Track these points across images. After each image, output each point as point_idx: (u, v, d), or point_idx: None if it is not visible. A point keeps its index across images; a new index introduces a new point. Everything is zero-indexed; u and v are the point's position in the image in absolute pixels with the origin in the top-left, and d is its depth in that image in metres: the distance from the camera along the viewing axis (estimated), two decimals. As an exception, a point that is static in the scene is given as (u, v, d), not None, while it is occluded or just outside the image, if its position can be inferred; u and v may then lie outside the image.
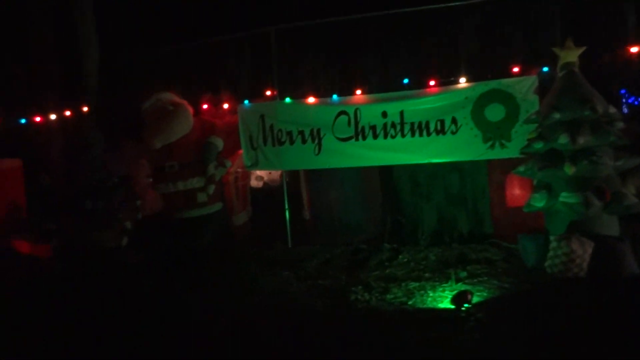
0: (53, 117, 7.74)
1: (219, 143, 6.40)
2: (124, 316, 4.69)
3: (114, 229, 6.06)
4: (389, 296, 4.60)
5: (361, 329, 4.02)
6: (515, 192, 6.24)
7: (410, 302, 4.39)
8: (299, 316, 4.32)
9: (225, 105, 6.68)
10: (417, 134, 6.06)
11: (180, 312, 4.67)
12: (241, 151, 6.89)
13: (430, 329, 3.84)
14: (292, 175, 7.37)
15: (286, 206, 6.60)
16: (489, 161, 6.14)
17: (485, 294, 4.39)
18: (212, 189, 6.32)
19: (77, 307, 4.98)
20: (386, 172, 6.66)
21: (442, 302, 4.37)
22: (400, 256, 5.79)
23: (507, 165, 6.08)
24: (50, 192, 6.97)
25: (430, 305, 4.32)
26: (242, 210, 7.30)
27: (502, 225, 6.22)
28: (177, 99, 6.49)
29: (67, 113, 7.63)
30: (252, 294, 4.91)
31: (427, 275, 5.13)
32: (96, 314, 4.76)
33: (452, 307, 4.15)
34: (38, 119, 7.84)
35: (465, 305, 4.07)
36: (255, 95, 6.63)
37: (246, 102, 6.62)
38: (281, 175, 7.02)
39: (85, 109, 6.91)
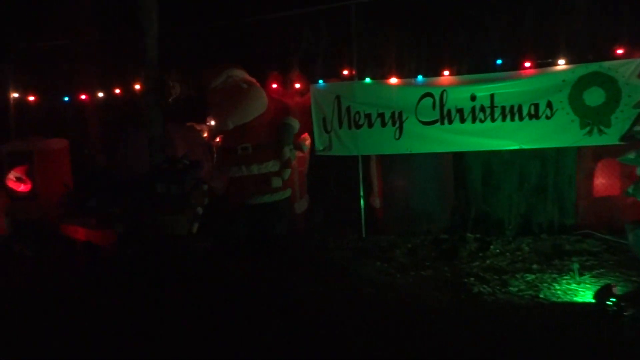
0: (100, 94, 7.29)
1: (296, 124, 6.00)
2: (216, 307, 4.36)
3: (186, 215, 5.64)
4: (512, 289, 4.31)
5: (497, 325, 3.73)
6: (604, 180, 6.00)
7: (541, 295, 4.13)
8: (424, 311, 4.02)
9: (297, 85, 6.29)
10: (508, 118, 5.73)
11: (282, 303, 4.33)
12: (304, 135, 6.54)
13: (580, 326, 3.56)
14: (348, 161, 6.96)
15: (361, 194, 6.26)
16: (579, 148, 5.90)
17: (621, 288, 4.15)
18: (288, 173, 5.93)
19: (161, 298, 4.63)
20: (462, 159, 6.39)
21: (577, 295, 4.11)
22: (491, 247, 5.53)
23: (599, 153, 5.87)
24: (107, 175, 6.52)
25: (566, 299, 4.05)
26: (303, 197, 6.94)
27: (589, 215, 5.99)
28: (248, 76, 6.07)
29: (117, 91, 7.18)
30: (355, 286, 4.59)
31: (534, 267, 4.85)
32: (188, 304, 4.41)
33: (593, 301, 3.90)
34: (83, 96, 7.36)
35: (612, 299, 3.81)
36: (330, 74, 6.22)
37: (320, 82, 6.23)
38: (306, 162, 6.65)
39: (143, 86, 6.43)
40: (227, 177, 6.13)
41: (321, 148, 6.37)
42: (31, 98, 7.44)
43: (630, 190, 5.22)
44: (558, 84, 5.58)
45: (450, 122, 5.90)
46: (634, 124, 5.33)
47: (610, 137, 5.54)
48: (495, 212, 6.22)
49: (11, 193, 6.47)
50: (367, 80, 6.08)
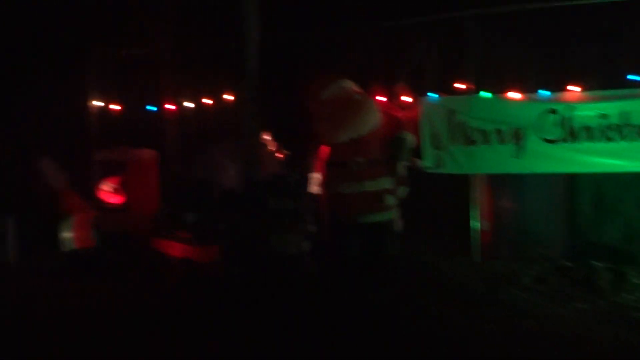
0: (189, 104, 7.07)
1: (411, 139, 5.68)
2: (353, 339, 3.99)
3: (298, 232, 5.34)
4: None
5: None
6: None
7: None
8: (606, 350, 3.61)
9: (404, 98, 6.01)
10: (643, 138, 5.41)
11: (438, 335, 3.94)
12: None
13: None
14: (451, 179, 6.62)
15: (475, 215, 5.91)
16: None
17: None
18: (402, 191, 5.61)
19: (275, 325, 4.27)
20: (575, 180, 6.01)
21: None
22: (632, 278, 5.12)
23: None
24: (205, 188, 6.25)
25: None
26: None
27: None
28: (357, 88, 5.80)
29: (208, 101, 6.96)
30: (511, 317, 4.19)
31: None
32: (312, 336, 4.04)
33: None
34: (172, 107, 7.14)
35: None
36: (442, 87, 5.94)
37: (432, 95, 5.95)
38: None
39: (241, 96, 6.19)
40: (331, 194, 5.83)
41: (430, 165, 6.03)
42: (113, 107, 7.27)
43: None
44: None
45: (578, 140, 5.57)
46: None
47: None
48: (615, 239, 5.86)
49: (101, 204, 6.24)
50: (485, 94, 5.80)
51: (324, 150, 6.91)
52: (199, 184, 6.27)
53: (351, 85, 5.80)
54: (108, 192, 6.10)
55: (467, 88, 5.78)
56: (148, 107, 7.05)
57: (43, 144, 6.95)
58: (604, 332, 3.79)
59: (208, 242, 5.69)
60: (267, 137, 6.72)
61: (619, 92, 5.45)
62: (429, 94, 5.86)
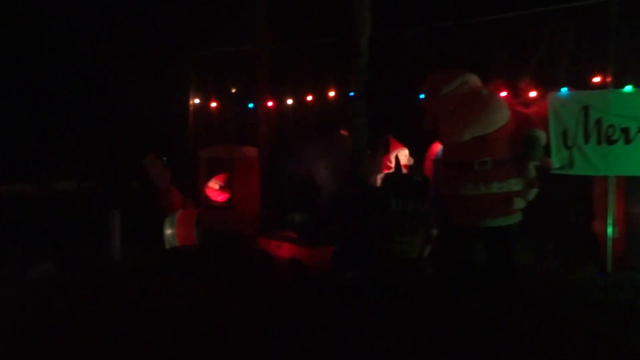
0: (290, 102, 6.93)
1: (543, 137, 5.25)
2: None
3: (420, 236, 5.03)
4: None
5: None
6: None
7: None
8: None
9: (533, 94, 5.56)
10: None
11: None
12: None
13: None
14: (576, 181, 6.05)
15: (610, 221, 5.38)
16: None
17: None
18: (533, 194, 5.18)
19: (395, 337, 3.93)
20: None
21: None
22: None
23: None
24: (312, 187, 6.06)
25: None
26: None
27: None
28: (481, 83, 5.41)
29: (309, 98, 6.79)
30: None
31: None
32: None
33: None
34: (271, 103, 7.03)
35: None
36: (573, 81, 5.45)
37: (563, 90, 5.47)
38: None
39: (352, 92, 5.94)
40: (450, 196, 5.47)
41: (558, 166, 5.49)
42: (212, 104, 7.24)
43: None
44: None
45: None
46: None
47: None
48: None
49: (207, 202, 6.16)
50: (628, 88, 5.26)
51: (434, 148, 6.59)
52: (304, 183, 6.07)
53: (475, 80, 5.44)
54: (215, 189, 6.00)
55: (606, 82, 5.26)
56: (248, 105, 6.94)
57: (146, 142, 6.99)
58: None
59: (319, 243, 5.48)
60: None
61: None
62: (561, 89, 5.39)
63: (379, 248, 5.02)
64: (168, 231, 6.63)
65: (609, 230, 5.38)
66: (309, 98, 6.69)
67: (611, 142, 5.29)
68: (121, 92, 7.09)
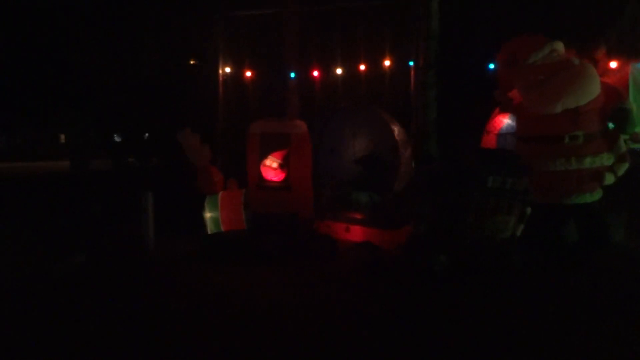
0: (339, 71, 6.34)
1: (634, 109, 5.05)
2: None
3: (514, 215, 4.73)
4: None
5: None
6: None
7: None
8: None
9: (613, 64, 5.35)
10: None
11: None
12: None
13: None
14: None
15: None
16: None
17: None
18: (623, 168, 5.01)
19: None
20: None
21: None
22: None
23: None
24: (376, 164, 5.58)
25: None
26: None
27: None
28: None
29: (362, 67, 6.22)
30: None
31: None
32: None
33: None
34: (315, 73, 6.39)
35: None
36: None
37: (645, 60, 5.31)
38: None
39: (420, 61, 5.47)
40: (537, 172, 5.19)
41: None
42: (247, 74, 6.52)
43: None
44: None
45: None
46: None
47: None
48: None
49: (259, 182, 5.54)
50: None
51: (496, 121, 6.30)
52: (368, 160, 5.60)
53: (563, 49, 5.14)
54: (273, 168, 5.40)
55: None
56: (291, 74, 6.29)
57: (180, 117, 6.19)
58: None
59: (396, 224, 5.08)
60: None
61: None
62: (641, 59, 5.24)
63: (473, 228, 4.72)
64: (209, 215, 5.96)
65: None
66: (359, 67, 6.15)
67: (694, 114, 5.25)
68: (142, 60, 6.20)
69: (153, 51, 6.21)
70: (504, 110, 6.04)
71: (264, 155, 5.46)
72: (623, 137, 5.03)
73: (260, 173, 5.55)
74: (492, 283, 4.55)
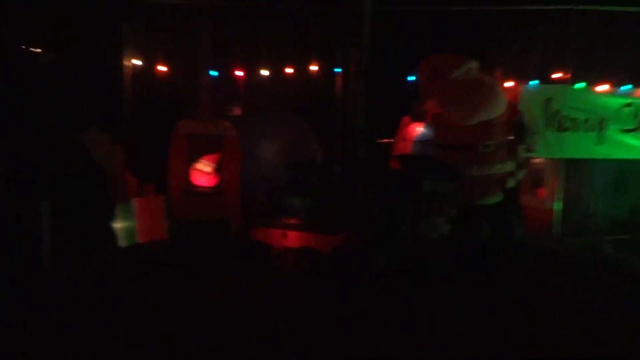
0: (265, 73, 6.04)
1: (529, 123, 5.82)
2: None
3: (444, 217, 5.08)
4: None
5: None
6: None
7: None
8: None
9: (511, 84, 6.10)
10: (691, 131, 6.47)
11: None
12: None
13: None
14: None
15: (561, 196, 6.38)
16: None
17: None
18: (523, 174, 5.74)
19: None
20: (618, 166, 6.90)
21: None
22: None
23: None
24: (309, 168, 5.45)
25: None
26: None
27: None
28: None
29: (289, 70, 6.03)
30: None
31: None
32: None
33: None
34: (240, 73, 6.01)
35: None
36: (540, 76, 6.19)
37: (533, 82, 6.16)
38: None
39: (351, 70, 5.55)
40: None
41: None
42: (161, 68, 5.85)
43: None
44: None
45: (646, 131, 6.44)
46: None
47: None
48: None
49: (189, 188, 5.02)
50: (580, 85, 6.26)
51: (411, 129, 6.72)
52: (299, 164, 5.49)
53: (477, 67, 5.73)
54: (206, 172, 4.94)
55: (566, 78, 6.20)
56: (211, 72, 5.84)
57: (74, 113, 5.28)
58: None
59: (336, 229, 5.10)
60: None
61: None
62: (531, 81, 6.13)
63: (410, 230, 4.99)
64: (122, 225, 5.25)
65: (559, 205, 6.47)
66: (284, 70, 6.01)
67: (564, 129, 6.31)
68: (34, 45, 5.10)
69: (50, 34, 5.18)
70: (417, 120, 6.56)
71: (194, 159, 5.02)
72: (520, 147, 5.89)
73: (188, 178, 5.09)
74: (426, 280, 4.96)
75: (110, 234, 5.20)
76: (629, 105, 6.34)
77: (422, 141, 6.31)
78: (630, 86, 6.29)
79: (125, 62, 5.71)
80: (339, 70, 5.85)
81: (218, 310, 4.08)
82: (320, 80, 5.99)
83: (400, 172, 5.09)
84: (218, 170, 5.05)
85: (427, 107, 6.02)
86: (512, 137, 5.80)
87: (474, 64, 5.69)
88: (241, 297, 4.43)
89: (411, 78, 5.93)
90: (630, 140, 6.36)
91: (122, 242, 5.22)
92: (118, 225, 5.26)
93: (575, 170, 6.53)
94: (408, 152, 6.56)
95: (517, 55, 6.21)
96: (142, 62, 5.86)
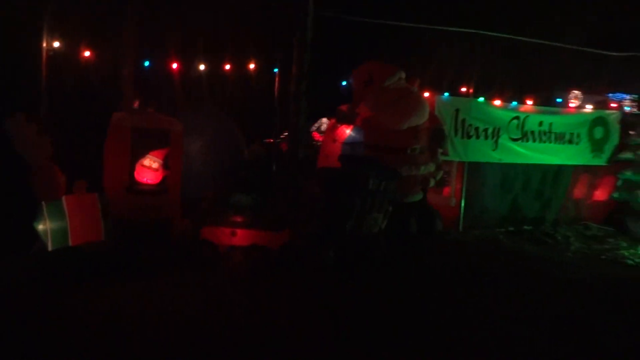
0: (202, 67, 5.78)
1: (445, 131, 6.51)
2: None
3: (383, 212, 5.46)
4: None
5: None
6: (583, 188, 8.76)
7: None
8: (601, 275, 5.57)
9: (427, 95, 6.76)
10: (557, 141, 7.86)
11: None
12: None
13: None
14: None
15: (463, 195, 7.26)
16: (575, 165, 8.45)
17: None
18: (440, 175, 6.40)
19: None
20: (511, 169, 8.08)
21: None
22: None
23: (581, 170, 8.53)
24: (252, 166, 5.37)
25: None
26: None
27: (573, 211, 8.67)
28: (404, 81, 6.22)
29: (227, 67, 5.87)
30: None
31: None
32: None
33: None
34: (174, 65, 5.65)
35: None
36: (450, 89, 6.97)
37: (446, 94, 6.91)
38: None
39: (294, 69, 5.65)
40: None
41: (439, 153, 7.09)
42: (86, 54, 5.28)
43: (615, 195, 8.10)
44: (583, 122, 8.07)
45: (527, 140, 7.65)
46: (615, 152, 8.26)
47: (603, 160, 8.36)
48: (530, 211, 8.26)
49: (132, 185, 4.63)
50: (481, 99, 7.20)
51: (340, 131, 7.03)
52: (243, 162, 5.43)
53: (404, 77, 6.28)
54: (153, 169, 4.61)
55: (469, 92, 7.11)
56: (144, 63, 5.46)
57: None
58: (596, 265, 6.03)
59: (279, 226, 5.18)
60: None
61: (550, 109, 7.87)
62: (444, 94, 6.91)
63: (355, 225, 5.30)
64: (50, 225, 4.62)
65: (462, 202, 7.39)
66: (223, 66, 5.88)
67: (468, 136, 7.25)
68: None
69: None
70: (342, 122, 6.95)
71: (139, 154, 4.69)
72: (440, 150, 6.64)
73: (130, 174, 4.74)
74: (368, 270, 5.35)
75: (35, 235, 4.66)
76: (516, 118, 7.59)
77: (351, 143, 6.74)
78: (515, 103, 7.53)
79: (45, 46, 5.09)
80: (277, 70, 5.97)
81: (169, 313, 3.92)
82: (258, 78, 6.04)
83: (348, 172, 5.40)
84: (165, 166, 4.81)
85: (358, 111, 6.47)
86: (432, 142, 6.59)
87: (403, 74, 6.31)
88: (196, 297, 4.31)
89: (344, 83, 6.30)
90: (517, 147, 7.62)
91: (50, 245, 4.69)
92: (45, 226, 4.70)
93: (473, 172, 7.60)
94: (338, 153, 6.97)
95: (433, 70, 7.00)
96: (63, 46, 5.27)
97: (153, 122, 4.87)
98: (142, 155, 4.71)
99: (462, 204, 7.40)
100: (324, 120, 7.48)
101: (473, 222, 7.66)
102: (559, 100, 7.91)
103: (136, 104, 6.21)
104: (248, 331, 3.67)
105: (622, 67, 8.34)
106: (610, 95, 8.70)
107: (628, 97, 8.77)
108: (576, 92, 8.51)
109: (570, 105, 7.94)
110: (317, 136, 7.83)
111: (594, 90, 8.45)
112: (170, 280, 4.59)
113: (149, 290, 4.33)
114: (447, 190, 7.83)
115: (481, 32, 6.79)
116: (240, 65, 6.01)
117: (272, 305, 4.21)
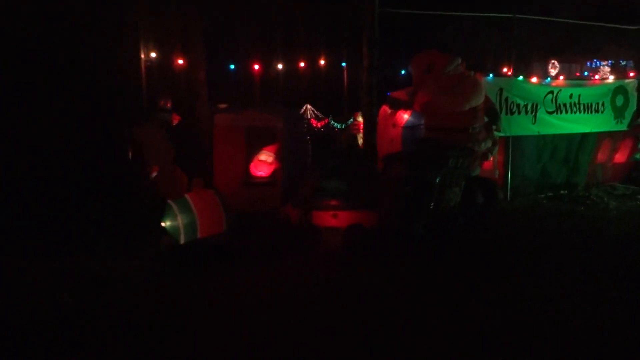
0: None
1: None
2: None
3: (460, 187, 6.06)
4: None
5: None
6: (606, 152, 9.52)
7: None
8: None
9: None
10: (585, 111, 8.56)
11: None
12: None
13: None
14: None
15: (509, 166, 7.92)
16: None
17: None
18: (496, 150, 7.02)
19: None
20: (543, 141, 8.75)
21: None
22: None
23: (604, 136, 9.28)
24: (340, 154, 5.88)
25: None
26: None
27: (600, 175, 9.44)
28: (460, 66, 6.80)
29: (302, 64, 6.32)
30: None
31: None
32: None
33: None
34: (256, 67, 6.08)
35: None
36: (494, 71, 7.57)
37: (491, 76, 7.51)
38: None
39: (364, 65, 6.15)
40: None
41: (485, 129, 7.71)
42: (180, 62, 5.67)
43: (637, 156, 8.89)
44: (607, 91, 8.80)
45: (561, 112, 8.34)
46: (634, 117, 9.03)
47: (624, 125, 9.13)
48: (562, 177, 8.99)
49: (248, 179, 5.11)
50: (520, 78, 7.83)
51: (398, 117, 7.58)
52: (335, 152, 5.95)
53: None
54: (268, 163, 5.08)
55: (510, 73, 7.73)
56: (230, 66, 5.88)
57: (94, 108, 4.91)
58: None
59: (371, 206, 5.74)
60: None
61: (578, 82, 8.56)
62: (489, 75, 7.51)
63: (439, 200, 5.90)
64: (178, 222, 5.11)
65: (509, 174, 8.06)
66: (299, 65, 6.34)
67: (511, 113, 7.89)
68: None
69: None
70: (396, 108, 7.51)
71: (253, 150, 5.17)
72: (493, 127, 7.26)
73: (245, 169, 5.23)
74: (452, 240, 5.95)
75: (160, 232, 5.12)
76: (550, 92, 8.26)
77: (411, 127, 7.32)
78: (549, 79, 8.20)
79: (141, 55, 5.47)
80: (345, 64, 6.48)
81: (302, 290, 4.40)
82: (328, 73, 6.52)
83: (431, 152, 5.98)
84: (277, 160, 5.30)
85: (417, 97, 7.03)
86: (488, 120, 7.21)
87: (459, 61, 6.89)
88: (310, 279, 4.67)
89: (403, 72, 6.85)
90: (552, 119, 8.31)
91: (183, 238, 5.15)
92: (176, 222, 5.16)
93: (514, 145, 8.26)
94: (396, 137, 7.55)
95: (479, 54, 7.59)
96: (161, 56, 5.66)
97: (262, 121, 5.34)
98: (256, 151, 5.20)
99: (509, 175, 8.10)
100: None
101: (516, 191, 8.37)
102: (585, 73, 8.64)
103: (162, 103, 6.63)
104: (370, 304, 4.11)
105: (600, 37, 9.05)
106: (588, 63, 9.48)
107: (603, 64, 9.58)
108: (553, 61, 9.27)
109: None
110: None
111: (572, 59, 9.14)
112: (285, 265, 5.03)
113: (269, 275, 4.75)
114: (487, 164, 8.50)
115: (518, 15, 7.41)
116: (312, 62, 6.49)
117: (383, 280, 4.73)
